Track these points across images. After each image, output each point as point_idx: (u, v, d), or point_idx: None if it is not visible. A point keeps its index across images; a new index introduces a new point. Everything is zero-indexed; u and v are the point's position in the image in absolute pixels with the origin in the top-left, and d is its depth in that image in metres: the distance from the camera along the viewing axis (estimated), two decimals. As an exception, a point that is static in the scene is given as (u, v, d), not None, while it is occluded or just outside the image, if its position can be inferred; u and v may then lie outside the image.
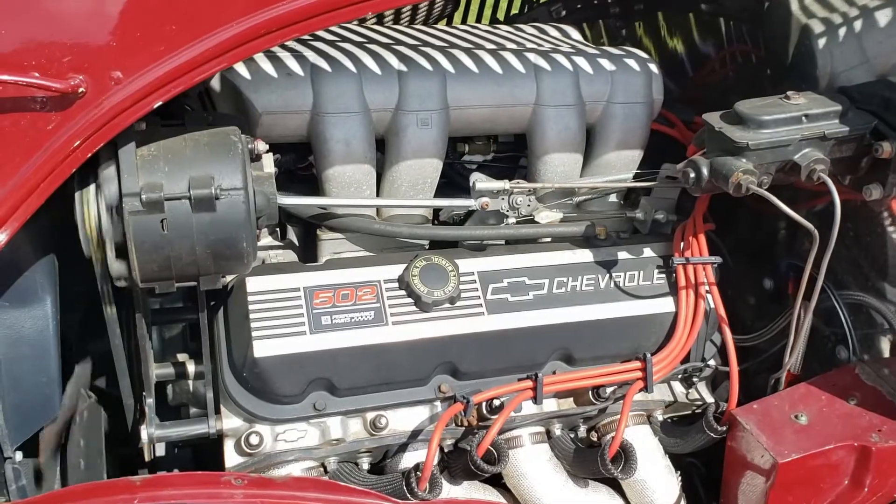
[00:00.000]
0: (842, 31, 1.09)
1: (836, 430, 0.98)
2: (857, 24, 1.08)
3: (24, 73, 0.74)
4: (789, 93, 0.92)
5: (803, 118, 0.89)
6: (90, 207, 0.83)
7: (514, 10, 1.55)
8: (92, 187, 0.84)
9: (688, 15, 1.34)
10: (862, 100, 0.97)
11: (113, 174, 0.82)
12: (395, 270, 1.00)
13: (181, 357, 1.07)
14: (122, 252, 0.84)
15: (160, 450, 1.04)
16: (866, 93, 0.98)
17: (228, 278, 0.98)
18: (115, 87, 0.76)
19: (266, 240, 1.08)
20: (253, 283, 0.96)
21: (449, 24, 1.49)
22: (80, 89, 0.75)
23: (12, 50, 0.74)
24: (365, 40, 1.07)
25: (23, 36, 0.74)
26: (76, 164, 0.79)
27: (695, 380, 1.11)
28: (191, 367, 1.04)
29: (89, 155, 0.79)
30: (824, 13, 1.12)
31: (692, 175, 0.92)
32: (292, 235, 1.10)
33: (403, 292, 0.98)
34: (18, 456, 0.97)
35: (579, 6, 1.42)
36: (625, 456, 1.00)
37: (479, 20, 1.57)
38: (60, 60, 0.75)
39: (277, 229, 1.09)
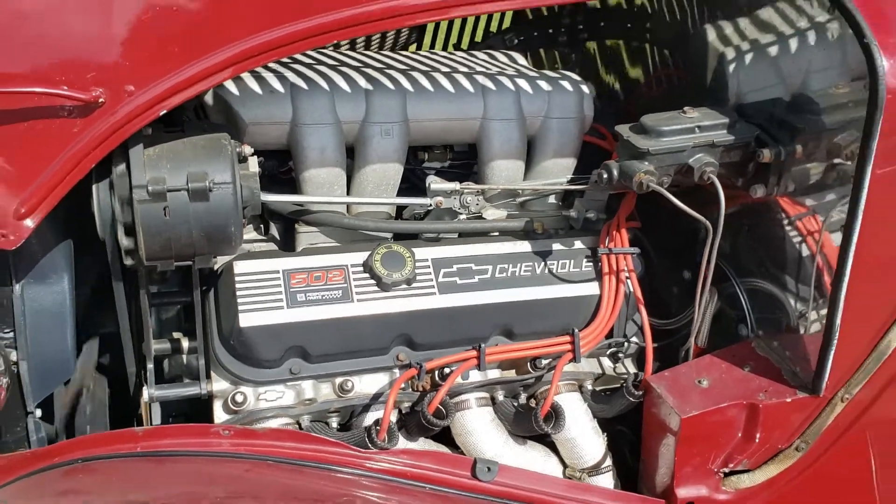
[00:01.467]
0: (749, 57, 1.27)
1: (731, 391, 1.16)
2: (771, 50, 1.26)
3: (55, 86, 0.92)
4: (686, 108, 1.11)
5: (696, 129, 1.08)
6: (105, 197, 1.01)
7: (478, 38, 1.74)
8: (106, 181, 1.01)
9: (623, 43, 1.54)
10: (752, 114, 1.16)
11: (124, 170, 1.00)
12: (361, 257, 1.18)
13: (176, 335, 1.24)
14: (129, 235, 1.01)
15: (156, 418, 1.20)
16: (755, 108, 1.17)
17: (219, 262, 1.16)
18: (129, 98, 0.94)
19: (251, 234, 1.25)
20: (239, 266, 1.14)
21: (416, 50, 1.68)
22: (100, 100, 0.93)
23: (47, 66, 0.92)
24: (337, 63, 1.25)
25: (55, 55, 0.93)
26: (95, 162, 0.97)
27: (620, 356, 1.29)
28: (185, 343, 1.21)
29: (106, 154, 0.97)
30: (738, 42, 1.31)
31: (605, 175, 1.10)
32: (274, 231, 1.28)
33: (367, 275, 1.16)
34: (38, 412, 1.14)
35: (531, 35, 1.61)
36: (555, 415, 1.17)
37: (444, 48, 1.76)
38: (85, 76, 0.93)
39: (262, 225, 1.27)
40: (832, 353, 1.08)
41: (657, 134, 1.08)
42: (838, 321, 1.06)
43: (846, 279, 1.03)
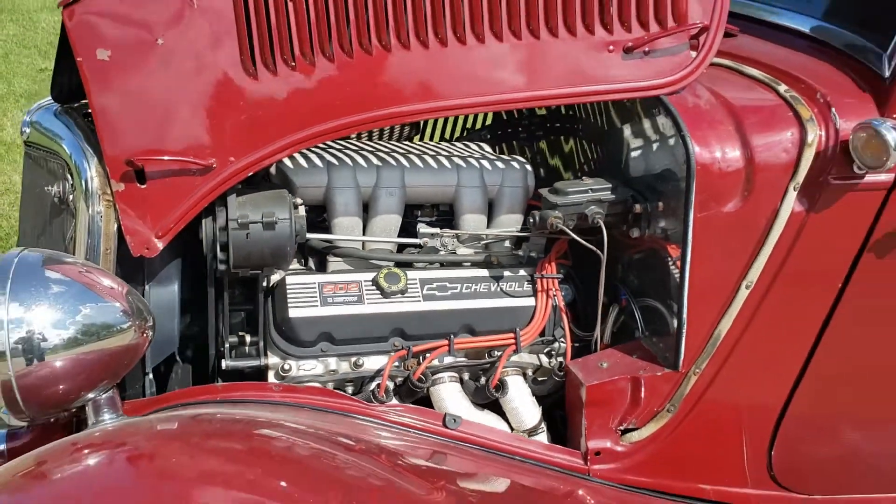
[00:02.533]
0: (634, 146, 1.81)
1: (622, 369, 1.68)
2: (644, 142, 1.73)
3: (186, 155, 1.51)
4: (583, 177, 1.69)
5: (589, 190, 1.66)
6: (210, 227, 1.59)
7: (457, 134, 2.36)
8: (211, 217, 1.60)
9: (563, 138, 2.14)
10: (634, 182, 1.73)
11: (223, 210, 1.58)
12: (371, 275, 1.74)
13: (241, 333, 1.79)
14: (223, 251, 1.59)
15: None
16: (636, 178, 1.74)
17: (275, 276, 1.72)
18: (230, 164, 1.53)
19: (295, 265, 1.82)
20: (290, 278, 1.70)
21: (411, 141, 2.29)
22: (213, 165, 1.52)
23: (183, 143, 1.51)
24: (358, 148, 1.85)
25: (188, 136, 1.52)
26: (207, 203, 1.56)
27: (553, 353, 1.82)
28: (247, 338, 1.76)
29: (213, 199, 1.56)
30: (628, 136, 1.84)
31: (531, 220, 1.68)
32: (311, 264, 1.85)
33: (374, 286, 1.72)
34: (151, 375, 1.68)
35: (499, 133, 2.22)
36: (501, 385, 1.70)
37: (431, 139, 2.37)
38: (205, 150, 1.52)
39: (303, 259, 1.84)
40: (683, 339, 1.61)
41: (564, 193, 1.65)
42: (685, 317, 1.59)
43: (686, 288, 1.57)
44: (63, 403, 1.34)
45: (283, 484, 1.15)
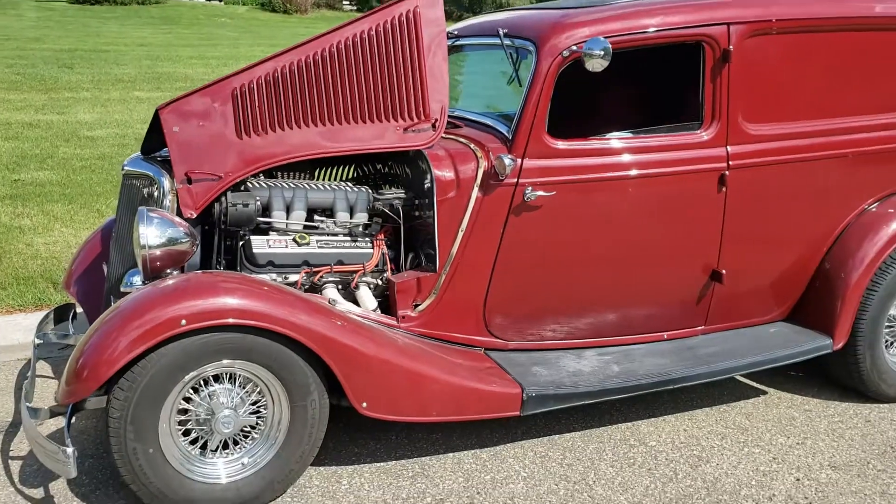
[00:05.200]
0: (417, 171, 3.83)
1: (412, 275, 3.59)
2: (421, 171, 3.82)
3: (209, 172, 3.38)
4: (394, 188, 3.65)
5: (395, 196, 3.62)
6: (218, 207, 3.45)
7: (337, 177, 4.31)
8: (219, 202, 3.46)
9: (391, 174, 4.11)
10: (415, 189, 3.69)
11: (225, 198, 3.45)
12: (291, 238, 3.62)
13: (226, 259, 3.62)
14: (224, 217, 3.44)
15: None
16: (416, 187, 3.70)
17: (249, 237, 3.58)
18: (228, 177, 3.40)
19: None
20: (253, 237, 3.57)
21: (314, 179, 4.22)
22: (220, 176, 3.40)
23: (209, 167, 3.37)
24: (286, 181, 3.76)
25: (210, 164, 3.38)
26: (215, 196, 3.42)
27: (381, 273, 3.69)
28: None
29: (219, 193, 3.43)
30: (417, 168, 3.86)
31: (371, 210, 3.63)
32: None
33: (293, 241, 3.60)
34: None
35: (354, 177, 4.18)
36: (357, 288, 3.58)
37: (323, 179, 4.31)
38: (217, 169, 3.38)
39: (255, 228, 3.71)
40: (437, 258, 3.54)
41: (385, 197, 3.61)
42: (437, 249, 3.53)
43: (437, 238, 3.50)
44: (161, 269, 3.15)
45: (265, 288, 3.01)
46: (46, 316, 4.08)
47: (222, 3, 39.08)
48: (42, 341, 3.86)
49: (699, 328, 3.95)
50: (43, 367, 4.20)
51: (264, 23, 33.45)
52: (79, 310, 4.13)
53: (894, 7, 3.93)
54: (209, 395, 2.99)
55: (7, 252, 5.75)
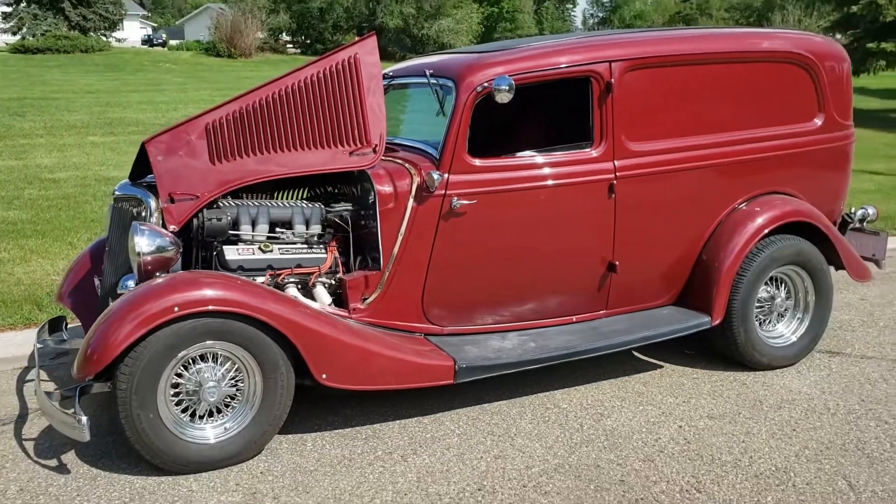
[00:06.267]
0: (363, 188, 4.57)
1: (362, 276, 4.32)
2: (365, 188, 4.57)
3: (188, 192, 4.08)
4: (342, 203, 4.39)
5: (344, 209, 4.36)
6: (196, 221, 4.14)
7: (293, 197, 5.03)
8: (197, 217, 4.15)
9: (342, 193, 4.86)
10: (362, 202, 4.44)
11: (202, 215, 4.14)
12: (257, 246, 4.33)
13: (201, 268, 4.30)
14: (201, 230, 4.14)
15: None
16: (361, 202, 4.45)
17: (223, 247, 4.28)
18: (203, 196, 4.10)
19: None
20: (226, 247, 4.26)
21: (273, 198, 4.94)
22: (197, 196, 4.10)
23: (188, 188, 4.06)
24: (252, 200, 4.48)
25: (189, 186, 4.07)
26: (194, 213, 4.12)
27: (335, 275, 4.41)
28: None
29: (196, 210, 4.12)
30: (360, 186, 4.62)
31: (325, 222, 4.36)
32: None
33: (259, 250, 4.30)
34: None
35: (310, 196, 4.92)
36: (314, 287, 4.29)
37: (282, 198, 5.03)
38: (194, 190, 4.07)
39: (227, 240, 4.41)
40: (381, 258, 4.28)
41: (336, 209, 4.35)
42: (371, 253, 4.28)
43: (380, 242, 4.25)
44: (152, 273, 3.83)
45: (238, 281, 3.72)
46: (42, 327, 4.70)
47: (166, 48, 39.55)
48: (42, 346, 4.48)
49: (602, 312, 4.75)
50: (41, 374, 4.79)
51: (209, 67, 34.13)
52: (70, 320, 4.75)
53: (741, 44, 4.86)
54: (197, 372, 3.66)
55: (-10, 281, 6.30)
